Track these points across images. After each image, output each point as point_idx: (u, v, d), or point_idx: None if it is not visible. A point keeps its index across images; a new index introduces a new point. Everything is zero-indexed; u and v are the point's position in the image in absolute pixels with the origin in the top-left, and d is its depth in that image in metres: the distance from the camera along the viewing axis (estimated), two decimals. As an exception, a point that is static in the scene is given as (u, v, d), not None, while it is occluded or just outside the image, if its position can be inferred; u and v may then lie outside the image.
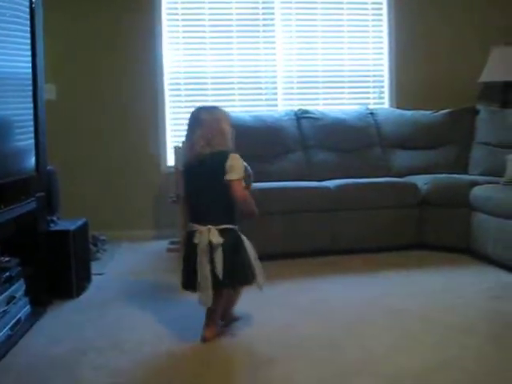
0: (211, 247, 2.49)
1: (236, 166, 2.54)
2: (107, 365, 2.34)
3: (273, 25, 5.08)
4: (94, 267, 3.78)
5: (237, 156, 2.57)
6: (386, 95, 5.29)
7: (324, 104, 5.14)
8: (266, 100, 5.14)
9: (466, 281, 3.46)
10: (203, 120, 2.59)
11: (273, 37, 5.09)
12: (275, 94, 5.15)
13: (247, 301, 2.83)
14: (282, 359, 2.35)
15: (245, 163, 2.61)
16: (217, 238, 2.49)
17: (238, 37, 5.04)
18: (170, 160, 4.86)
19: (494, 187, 3.98)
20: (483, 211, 3.92)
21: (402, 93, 5.22)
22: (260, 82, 5.12)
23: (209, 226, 2.52)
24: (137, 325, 2.81)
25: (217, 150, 2.56)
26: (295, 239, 4.04)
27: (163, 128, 4.95)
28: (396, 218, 4.19)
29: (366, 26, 5.23)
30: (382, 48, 5.26)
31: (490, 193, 3.91)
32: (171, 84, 4.99)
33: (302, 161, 4.62)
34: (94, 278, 3.62)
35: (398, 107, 5.13)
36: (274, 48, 5.10)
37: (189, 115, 2.69)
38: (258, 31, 5.08)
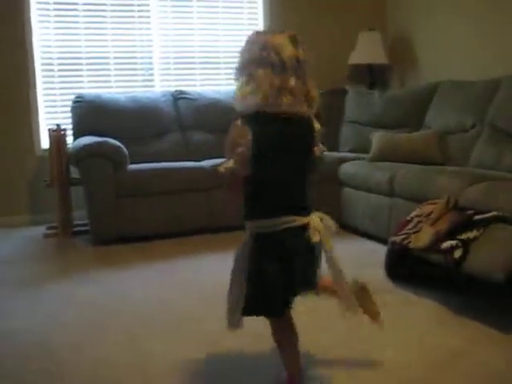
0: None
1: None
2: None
3: (148, 4, 5.02)
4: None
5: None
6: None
7: (201, 85, 5.19)
8: (143, 81, 5.10)
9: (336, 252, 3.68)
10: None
11: (148, 17, 5.03)
12: (152, 74, 5.12)
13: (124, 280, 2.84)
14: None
15: None
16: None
17: (112, 16, 4.93)
18: (44, 143, 4.70)
19: (359, 163, 4.25)
20: (350, 186, 4.19)
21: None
22: (136, 63, 5.06)
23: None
24: (8, 314, 2.75)
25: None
26: (173, 219, 4.10)
27: (36, 110, 4.76)
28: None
29: (241, 7, 5.33)
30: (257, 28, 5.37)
31: (355, 169, 4.18)
32: (44, 65, 4.80)
33: (179, 141, 4.67)
34: (-37, 267, 3.48)
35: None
36: (149, 29, 5.04)
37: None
38: (133, 11, 5.00)
